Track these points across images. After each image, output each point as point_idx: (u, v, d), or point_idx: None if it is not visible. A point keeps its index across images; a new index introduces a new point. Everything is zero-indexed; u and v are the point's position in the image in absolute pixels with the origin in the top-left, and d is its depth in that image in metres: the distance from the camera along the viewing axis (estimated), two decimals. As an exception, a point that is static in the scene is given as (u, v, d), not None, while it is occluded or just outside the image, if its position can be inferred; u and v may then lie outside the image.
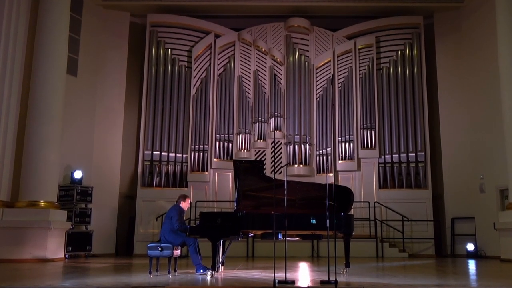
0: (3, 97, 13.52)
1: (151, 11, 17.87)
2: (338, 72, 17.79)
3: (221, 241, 9.52)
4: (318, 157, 17.38)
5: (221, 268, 9.72)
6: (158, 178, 16.88)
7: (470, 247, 15.76)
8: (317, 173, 17.26)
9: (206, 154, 17.00)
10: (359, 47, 17.82)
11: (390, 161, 17.06)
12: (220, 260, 9.60)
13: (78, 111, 16.07)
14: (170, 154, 17.02)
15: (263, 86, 17.86)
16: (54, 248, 13.21)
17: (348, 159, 17.10)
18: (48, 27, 14.13)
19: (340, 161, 17.16)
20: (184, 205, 9.59)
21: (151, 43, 17.57)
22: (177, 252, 9.24)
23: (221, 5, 17.72)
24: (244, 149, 17.22)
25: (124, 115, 17.45)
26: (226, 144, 17.20)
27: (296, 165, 17.06)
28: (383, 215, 16.51)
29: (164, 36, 17.76)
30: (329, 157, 17.18)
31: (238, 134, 17.34)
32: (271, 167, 17.10)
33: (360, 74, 17.67)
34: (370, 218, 16.04)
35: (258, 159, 17.05)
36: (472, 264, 12.65)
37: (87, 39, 16.59)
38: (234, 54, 17.95)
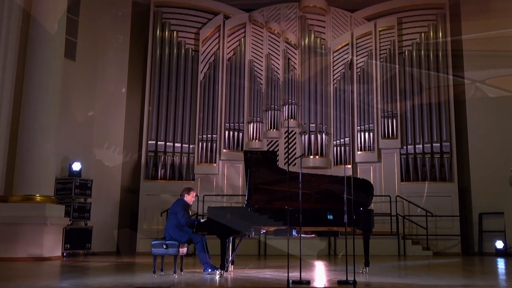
0: (-4, 83, 13.50)
1: (155, -10, 17.79)
2: (357, 56, 17.63)
3: (231, 238, 9.50)
4: (335, 148, 17.27)
5: (230, 267, 9.68)
6: (162, 170, 16.82)
7: (499, 244, 15.58)
8: (334, 165, 17.18)
9: (214, 144, 16.93)
10: (380, 29, 17.65)
11: (413, 152, 16.91)
12: (230, 258, 9.54)
13: (76, 98, 16.00)
14: (176, 145, 16.96)
15: (276, 71, 17.74)
16: (51, 245, 13.15)
17: (368, 150, 16.97)
18: (44, 7, 14.01)
19: (359, 152, 17.02)
20: (189, 198, 9.51)
21: (155, 24, 17.46)
22: (183, 250, 9.19)
23: (231, -17, 17.65)
24: (256, 139, 17.11)
25: (126, 103, 17.35)
26: (236, 133, 17.10)
27: (311, 156, 16.95)
28: (405, 210, 16.39)
29: (170, 17, 17.67)
30: (347, 148, 17.06)
31: (249, 122, 17.23)
32: (285, 159, 17.03)
33: (380, 58, 17.49)
34: (391, 213, 15.91)
35: (271, 149, 16.97)
36: (501, 263, 12.58)
37: (86, 21, 16.49)
38: (244, 36, 17.82)
